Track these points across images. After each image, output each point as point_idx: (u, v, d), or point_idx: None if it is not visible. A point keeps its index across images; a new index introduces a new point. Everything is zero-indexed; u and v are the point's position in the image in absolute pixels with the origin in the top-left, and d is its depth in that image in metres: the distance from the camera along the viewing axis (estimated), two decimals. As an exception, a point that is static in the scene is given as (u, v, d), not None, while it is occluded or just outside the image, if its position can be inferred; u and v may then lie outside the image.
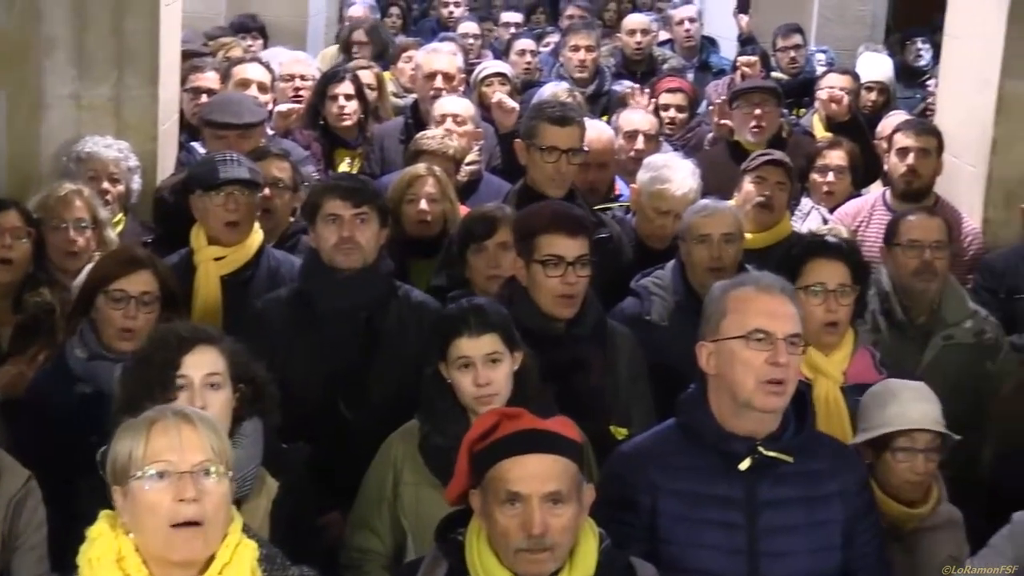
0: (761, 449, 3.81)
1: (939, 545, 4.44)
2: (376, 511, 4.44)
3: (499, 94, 7.95)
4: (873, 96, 9.58)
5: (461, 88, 8.43)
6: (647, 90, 8.94)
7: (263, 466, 4.01)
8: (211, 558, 3.26)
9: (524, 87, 9.28)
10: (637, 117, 7.69)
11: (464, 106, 7.54)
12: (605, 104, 9.35)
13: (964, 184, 6.98)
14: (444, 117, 7.38)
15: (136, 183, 6.37)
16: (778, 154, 6.61)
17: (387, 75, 9.48)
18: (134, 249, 5.25)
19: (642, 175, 6.38)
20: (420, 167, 6.28)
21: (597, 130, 7.02)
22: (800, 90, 10.04)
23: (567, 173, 6.00)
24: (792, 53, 10.70)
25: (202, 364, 3.95)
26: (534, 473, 3.39)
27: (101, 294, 4.77)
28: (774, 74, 10.30)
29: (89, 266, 5.32)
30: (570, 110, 6.37)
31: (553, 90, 8.27)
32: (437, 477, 4.27)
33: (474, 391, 4.25)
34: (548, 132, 5.97)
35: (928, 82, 10.72)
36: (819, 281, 4.87)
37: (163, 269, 4.95)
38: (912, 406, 4.50)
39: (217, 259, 5.65)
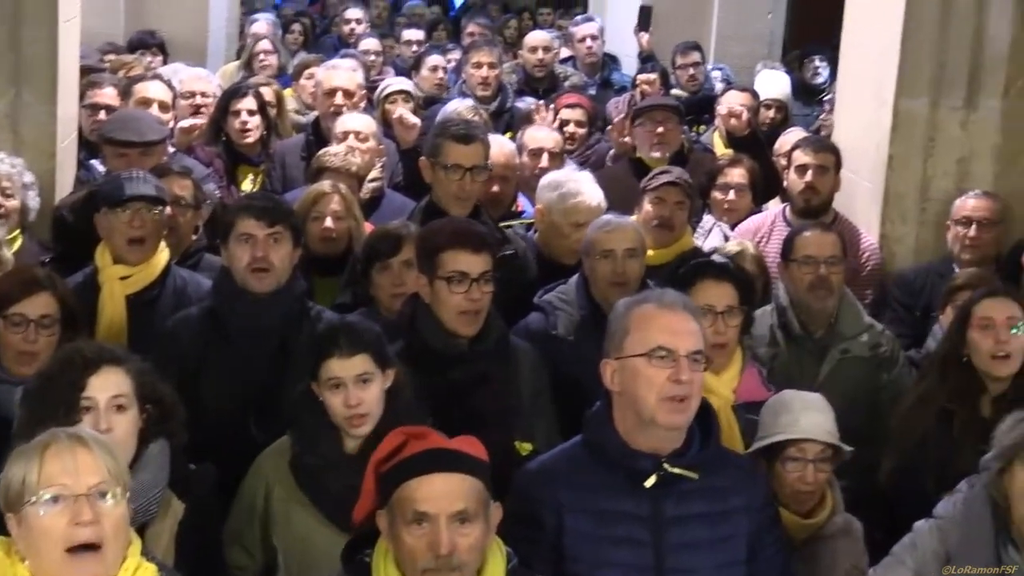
0: (666, 466, 3.83)
1: (836, 555, 4.49)
2: (247, 527, 4.44)
3: (400, 110, 7.95)
4: (771, 113, 9.73)
5: (362, 104, 8.42)
6: (551, 106, 8.96)
7: (169, 488, 3.97)
8: None
9: (427, 103, 9.30)
10: (542, 135, 7.72)
11: (366, 122, 7.54)
12: (508, 121, 9.38)
13: (862, 200, 7.07)
14: (346, 134, 7.37)
15: (32, 200, 6.26)
16: (676, 173, 6.66)
17: (288, 92, 9.46)
18: (32, 270, 5.17)
19: (547, 194, 6.39)
20: (325, 184, 6.26)
21: (498, 144, 7.03)
22: (699, 107, 10.10)
23: (471, 190, 6.04)
24: (691, 71, 10.81)
25: (108, 386, 3.91)
26: (441, 492, 3.40)
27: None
28: (673, 91, 10.43)
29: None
30: (473, 128, 6.41)
31: (457, 107, 8.27)
32: (307, 495, 4.34)
33: (345, 411, 4.26)
34: (452, 150, 5.99)
35: (824, 99, 10.87)
36: (707, 303, 4.89)
37: (63, 289, 4.88)
38: (803, 416, 4.57)
39: (123, 278, 5.57)
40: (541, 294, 5.74)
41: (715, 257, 5.63)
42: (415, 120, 7.80)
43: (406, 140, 7.70)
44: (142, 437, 3.95)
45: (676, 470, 3.84)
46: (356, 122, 7.55)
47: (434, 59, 10.62)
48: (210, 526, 4.16)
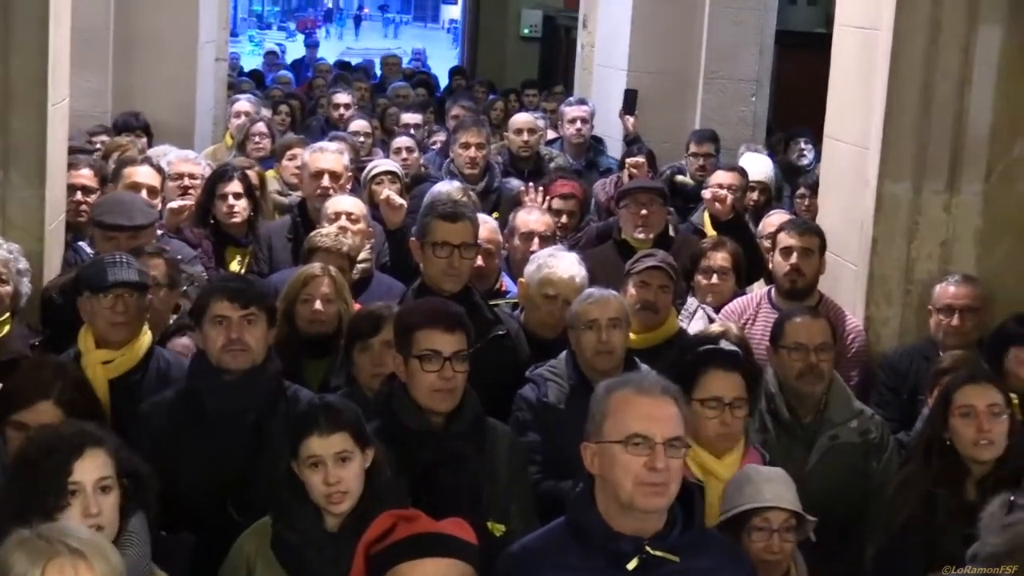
0: (648, 549, 3.83)
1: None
2: None
3: (387, 191, 8.02)
4: (755, 195, 9.70)
5: (348, 186, 8.50)
6: (540, 188, 8.95)
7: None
8: None
9: (414, 183, 9.38)
10: (532, 218, 7.81)
11: (356, 204, 7.64)
12: (495, 200, 9.45)
13: (846, 282, 7.14)
14: (338, 215, 7.46)
15: (25, 286, 6.21)
16: (660, 256, 6.75)
17: (271, 173, 9.53)
18: (41, 375, 5.02)
19: (529, 268, 6.57)
20: (315, 267, 6.31)
21: (481, 220, 7.05)
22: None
23: (461, 268, 6.09)
24: (702, 161, 10.58)
25: (93, 468, 3.93)
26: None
27: (5, 424, 4.75)
28: (679, 177, 10.49)
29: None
30: (461, 207, 6.49)
31: (446, 188, 8.35)
32: (289, 573, 4.32)
33: (324, 489, 4.29)
34: (440, 228, 6.06)
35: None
36: (716, 396, 4.96)
37: (69, 395, 4.84)
38: (765, 486, 4.60)
39: (105, 362, 5.59)
40: (533, 369, 5.85)
41: (724, 345, 5.68)
42: (401, 201, 7.89)
43: (393, 221, 7.78)
44: (121, 512, 3.96)
45: (658, 553, 3.84)
46: (347, 204, 7.65)
47: (399, 141, 10.80)
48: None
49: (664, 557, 3.84)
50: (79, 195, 7.52)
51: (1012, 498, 4.27)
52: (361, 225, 7.39)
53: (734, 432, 5.02)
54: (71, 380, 4.94)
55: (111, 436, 4.15)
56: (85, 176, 7.71)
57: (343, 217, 7.47)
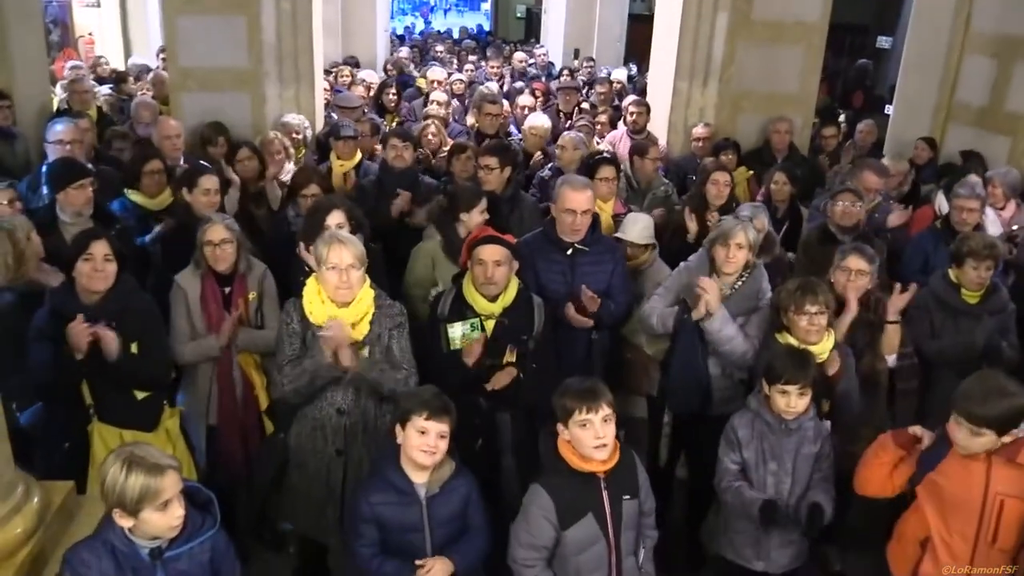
0: (576, 245, 3.85)
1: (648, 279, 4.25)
2: (426, 270, 4.09)
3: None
4: (618, 87, 9.26)
5: (445, 85, 7.95)
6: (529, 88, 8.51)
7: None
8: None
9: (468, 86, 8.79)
10: (527, 101, 7.42)
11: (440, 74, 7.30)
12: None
13: (659, 126, 6.86)
14: (432, 81, 7.49)
15: (308, 135, 6.04)
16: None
17: (421, 81, 8.87)
18: (307, 174, 4.53)
19: (526, 123, 6.26)
20: (429, 122, 5.99)
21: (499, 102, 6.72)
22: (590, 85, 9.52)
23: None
24: (590, 69, 10.34)
25: (334, 219, 3.71)
26: (490, 252, 3.36)
27: (297, 195, 4.40)
28: (580, 77, 9.95)
29: (291, 169, 5.09)
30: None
31: (486, 85, 7.97)
32: (447, 256, 4.01)
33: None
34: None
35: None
36: (603, 176, 4.73)
37: (324, 184, 4.45)
38: (631, 226, 4.32)
39: (341, 166, 5.45)
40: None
41: (606, 154, 5.36)
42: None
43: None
44: (351, 232, 3.75)
45: (578, 246, 3.84)
46: (438, 74, 7.81)
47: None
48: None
49: (580, 248, 3.85)
50: (327, 95, 7.25)
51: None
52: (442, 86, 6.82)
53: (611, 191, 4.79)
54: (317, 175, 4.56)
55: (345, 201, 3.88)
56: (326, 85, 7.45)
57: (436, 83, 7.48)
